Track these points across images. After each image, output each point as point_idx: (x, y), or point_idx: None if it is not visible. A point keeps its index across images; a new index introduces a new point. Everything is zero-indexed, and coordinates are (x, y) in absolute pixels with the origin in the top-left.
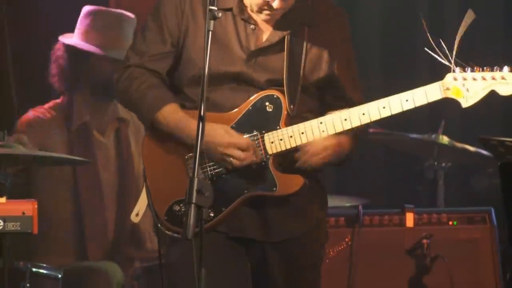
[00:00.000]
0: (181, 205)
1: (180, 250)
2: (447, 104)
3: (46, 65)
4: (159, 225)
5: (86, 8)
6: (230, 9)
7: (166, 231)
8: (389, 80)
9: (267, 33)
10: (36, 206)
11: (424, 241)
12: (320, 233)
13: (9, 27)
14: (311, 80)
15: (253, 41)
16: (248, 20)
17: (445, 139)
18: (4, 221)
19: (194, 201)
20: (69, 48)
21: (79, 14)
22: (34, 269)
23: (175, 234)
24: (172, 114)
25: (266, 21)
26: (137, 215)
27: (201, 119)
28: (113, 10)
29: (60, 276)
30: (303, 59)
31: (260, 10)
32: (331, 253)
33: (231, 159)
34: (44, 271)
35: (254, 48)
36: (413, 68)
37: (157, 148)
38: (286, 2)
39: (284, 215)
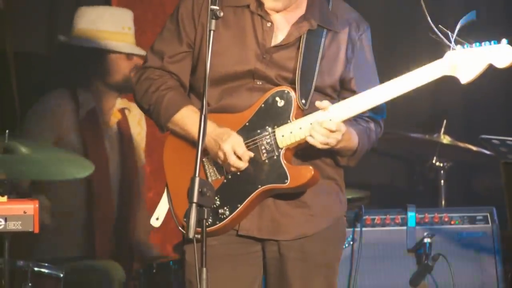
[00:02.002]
0: None
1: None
2: (449, 103)
3: (47, 64)
4: (179, 227)
5: (94, 8)
6: (248, 6)
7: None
8: (389, 69)
9: (284, 32)
10: (37, 205)
11: (426, 240)
12: (338, 233)
13: (10, 26)
14: (326, 80)
15: (269, 38)
16: (265, 17)
17: (446, 139)
18: (5, 220)
19: (195, 200)
20: (82, 47)
21: (81, 13)
22: (35, 268)
23: (197, 235)
24: (188, 116)
25: (284, 19)
26: (157, 219)
27: (203, 119)
28: (120, 8)
29: (61, 275)
30: (318, 60)
31: None
32: None
33: (227, 163)
34: (46, 271)
35: (270, 45)
36: (414, 56)
37: (177, 152)
38: None
39: (298, 213)
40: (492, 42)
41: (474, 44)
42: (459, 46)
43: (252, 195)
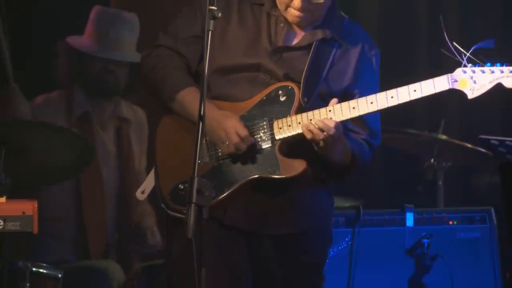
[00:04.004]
0: (186, 185)
1: (182, 244)
2: (447, 104)
3: (44, 63)
4: (162, 205)
5: (94, 7)
6: (262, 4)
7: (169, 211)
8: (388, 78)
9: (298, 37)
10: (36, 206)
11: (424, 240)
12: (324, 236)
13: (8, 26)
14: (331, 89)
15: (282, 38)
16: (279, 18)
17: (444, 139)
18: (4, 221)
19: (194, 200)
20: (67, 46)
21: (79, 13)
22: (34, 269)
23: (177, 214)
24: (191, 97)
25: (299, 26)
26: (142, 193)
27: (201, 119)
28: (112, 10)
29: (60, 276)
30: (326, 68)
31: (285, 8)
32: (331, 253)
33: (227, 142)
34: (44, 271)
35: (281, 45)
36: (412, 67)
37: (172, 130)
38: (308, 4)
39: (285, 210)
40: (506, 63)
41: (486, 64)
42: (470, 64)
43: (242, 182)
